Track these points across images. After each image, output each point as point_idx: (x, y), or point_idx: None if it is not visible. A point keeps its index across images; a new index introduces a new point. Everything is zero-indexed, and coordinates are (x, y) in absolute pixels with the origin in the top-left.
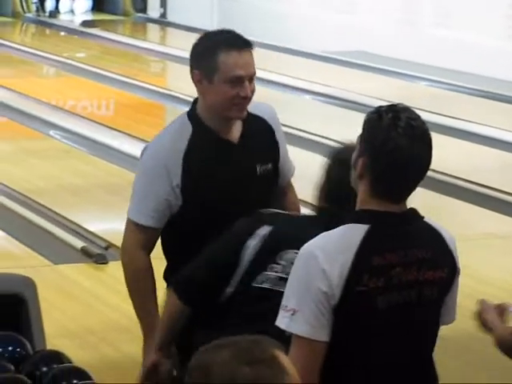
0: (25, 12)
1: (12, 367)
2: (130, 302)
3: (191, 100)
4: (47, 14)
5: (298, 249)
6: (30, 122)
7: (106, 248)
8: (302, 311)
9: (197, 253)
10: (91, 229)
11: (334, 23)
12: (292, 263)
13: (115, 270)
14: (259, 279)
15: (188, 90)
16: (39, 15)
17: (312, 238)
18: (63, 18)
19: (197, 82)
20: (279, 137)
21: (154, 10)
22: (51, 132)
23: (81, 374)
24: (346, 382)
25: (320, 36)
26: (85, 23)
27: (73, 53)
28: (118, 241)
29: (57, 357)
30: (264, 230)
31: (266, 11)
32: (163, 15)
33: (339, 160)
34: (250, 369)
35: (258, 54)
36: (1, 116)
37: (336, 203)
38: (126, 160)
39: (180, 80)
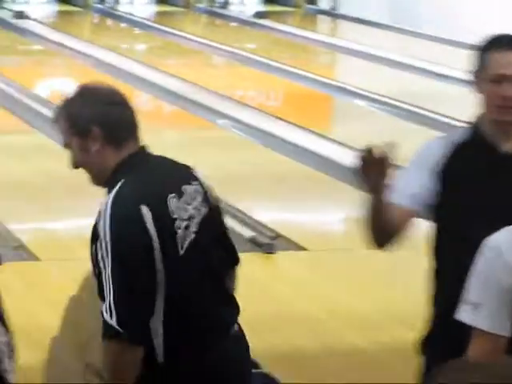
0: (196, 2)
1: None
2: (299, 292)
3: (360, 92)
4: (218, 4)
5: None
6: (199, 111)
7: (274, 238)
8: (485, 305)
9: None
10: (259, 218)
11: (499, 17)
12: (178, 208)
13: (283, 260)
14: (179, 246)
15: (357, 82)
16: (211, 6)
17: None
18: (234, 8)
19: (473, 82)
20: None
21: (324, 2)
22: (220, 122)
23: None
24: None
25: (489, 30)
26: (257, 14)
27: (243, 43)
28: (286, 231)
29: None
30: (143, 209)
31: (439, 3)
32: (334, 7)
33: None
34: None
35: (427, 47)
36: (172, 105)
37: None
38: (293, 150)
39: (349, 72)
